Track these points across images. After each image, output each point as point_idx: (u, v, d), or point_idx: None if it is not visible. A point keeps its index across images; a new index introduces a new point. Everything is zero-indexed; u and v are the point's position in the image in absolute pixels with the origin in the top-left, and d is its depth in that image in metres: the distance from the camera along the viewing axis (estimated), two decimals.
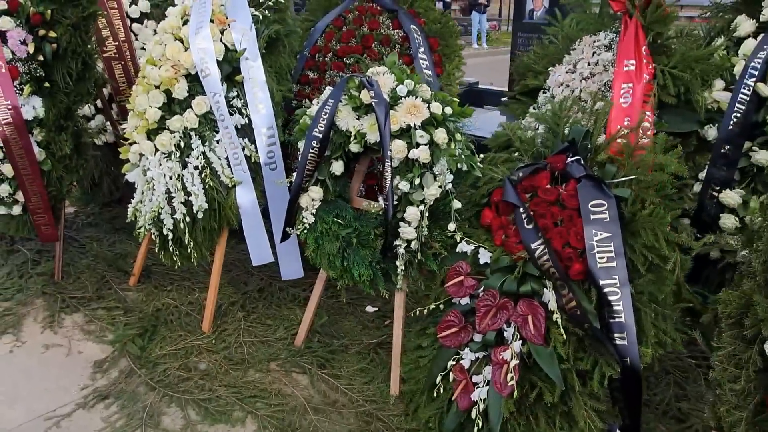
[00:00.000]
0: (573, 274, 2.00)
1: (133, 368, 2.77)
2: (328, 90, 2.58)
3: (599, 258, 1.96)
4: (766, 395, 1.68)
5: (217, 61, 2.88)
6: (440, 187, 2.36)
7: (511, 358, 2.02)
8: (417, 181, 2.35)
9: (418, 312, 2.36)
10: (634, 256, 1.97)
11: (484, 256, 2.24)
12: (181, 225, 2.88)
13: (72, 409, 2.53)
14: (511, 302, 2.10)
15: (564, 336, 1.94)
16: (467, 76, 3.70)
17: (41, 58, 3.16)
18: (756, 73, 2.53)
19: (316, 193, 2.59)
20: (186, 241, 2.90)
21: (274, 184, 3.00)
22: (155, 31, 3.83)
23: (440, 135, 2.35)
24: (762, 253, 1.75)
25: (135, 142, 3.00)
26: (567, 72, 3.03)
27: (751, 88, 2.51)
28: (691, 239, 2.04)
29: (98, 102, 4.00)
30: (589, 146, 2.19)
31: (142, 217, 3.01)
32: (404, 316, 2.63)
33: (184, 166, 2.88)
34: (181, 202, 2.86)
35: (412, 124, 2.36)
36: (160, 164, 2.90)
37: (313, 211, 2.61)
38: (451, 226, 2.38)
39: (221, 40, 2.93)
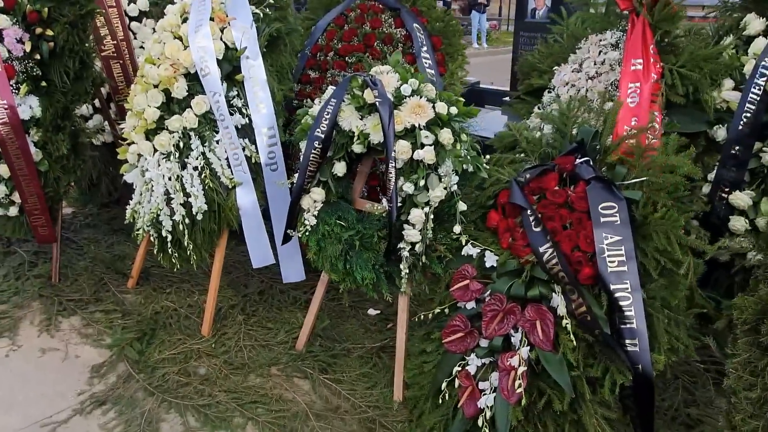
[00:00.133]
0: (583, 278, 1.95)
1: (132, 373, 2.72)
2: (331, 89, 2.53)
3: (610, 262, 1.91)
4: None
5: (217, 59, 2.83)
6: (445, 188, 2.31)
7: (519, 365, 1.97)
8: (422, 183, 2.30)
9: (422, 316, 2.31)
10: (645, 260, 1.92)
11: (491, 260, 2.19)
12: (181, 227, 2.83)
13: (69, 415, 2.48)
14: (519, 307, 2.05)
15: (574, 342, 1.89)
16: (467, 76, 3.67)
17: (38, 56, 3.10)
18: (767, 72, 2.48)
19: (318, 194, 2.54)
20: (185, 243, 2.85)
21: (275, 185, 2.95)
22: (154, 29, 3.77)
23: (445, 135, 2.29)
24: None
25: (133, 143, 2.95)
26: (572, 71, 2.98)
27: (762, 88, 2.47)
28: (704, 243, 1.99)
29: (96, 101, 3.94)
30: (598, 147, 2.14)
31: (140, 219, 2.96)
32: (408, 320, 2.58)
33: (184, 166, 2.82)
34: (181, 204, 2.81)
35: (416, 125, 2.31)
36: (159, 165, 2.85)
37: (315, 212, 2.56)
38: (457, 229, 2.32)
39: (221, 39, 2.88)
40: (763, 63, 2.50)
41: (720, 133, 2.58)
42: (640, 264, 1.91)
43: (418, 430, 2.30)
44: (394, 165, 2.28)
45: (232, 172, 2.86)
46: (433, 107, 2.33)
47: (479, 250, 2.24)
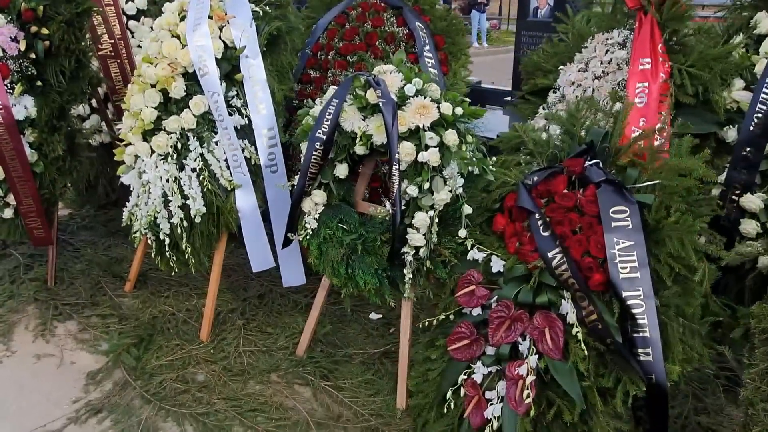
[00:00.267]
0: (593, 285, 1.89)
1: (128, 380, 2.65)
2: (332, 89, 2.47)
3: (622, 268, 1.84)
4: None
5: (216, 59, 2.77)
6: (450, 191, 2.24)
7: (527, 374, 1.90)
8: (426, 186, 2.23)
9: (426, 323, 2.25)
10: (658, 266, 1.86)
11: (497, 265, 2.13)
12: (178, 230, 2.77)
13: (63, 424, 2.41)
14: (527, 314, 1.99)
15: (585, 351, 1.82)
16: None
17: (33, 56, 3.03)
18: None
19: (319, 197, 2.48)
20: (183, 247, 2.79)
21: (275, 188, 2.89)
22: (152, 28, 3.72)
23: (450, 137, 2.23)
24: None
25: (130, 144, 2.89)
26: (578, 71, 2.93)
27: None
28: (719, 248, 1.93)
29: (93, 101, 3.88)
30: (608, 149, 2.08)
31: (137, 222, 2.89)
32: (411, 326, 2.52)
33: (182, 168, 2.76)
34: (179, 206, 2.75)
35: (421, 126, 2.24)
36: (157, 166, 2.79)
37: (316, 216, 2.50)
38: (462, 233, 2.26)
39: (220, 37, 2.82)
40: None
41: (730, 134, 2.54)
42: (653, 270, 1.85)
43: None
44: (397, 167, 2.21)
45: (231, 173, 2.80)
46: (438, 108, 2.26)
47: (485, 255, 2.18)
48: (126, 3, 3.92)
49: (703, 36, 2.73)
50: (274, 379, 2.69)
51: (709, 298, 2.01)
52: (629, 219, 1.89)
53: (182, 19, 2.88)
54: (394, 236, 2.29)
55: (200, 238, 2.81)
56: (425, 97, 2.28)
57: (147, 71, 2.80)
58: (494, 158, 2.36)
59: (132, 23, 3.95)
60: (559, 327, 1.90)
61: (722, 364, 2.62)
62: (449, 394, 2.10)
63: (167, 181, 2.76)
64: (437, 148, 2.23)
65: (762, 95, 2.46)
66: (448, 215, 2.30)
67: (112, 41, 3.76)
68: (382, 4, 3.31)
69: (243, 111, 2.84)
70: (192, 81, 2.79)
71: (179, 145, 2.77)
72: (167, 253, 2.84)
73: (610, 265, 1.86)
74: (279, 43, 3.01)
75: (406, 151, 2.23)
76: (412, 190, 2.24)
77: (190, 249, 2.79)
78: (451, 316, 2.21)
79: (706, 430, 2.39)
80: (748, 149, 2.46)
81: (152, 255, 2.95)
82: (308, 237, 2.53)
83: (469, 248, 2.23)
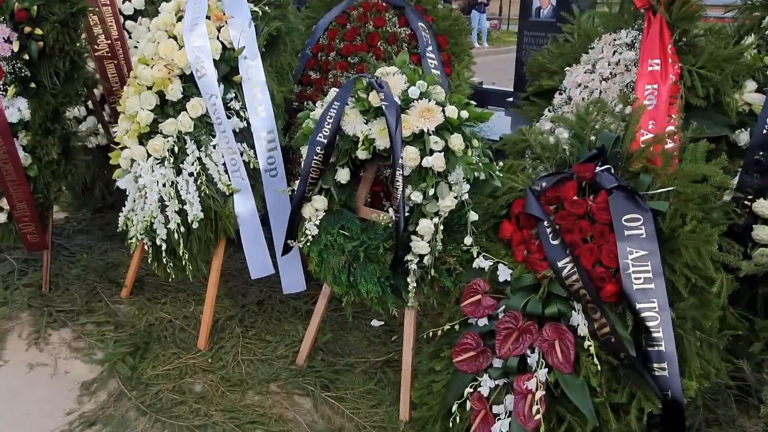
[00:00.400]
0: (605, 296, 1.81)
1: (123, 390, 2.57)
2: (334, 92, 2.40)
3: (635, 278, 1.77)
4: None
5: (214, 60, 2.71)
6: (456, 197, 2.17)
7: (537, 388, 1.83)
8: (431, 192, 2.16)
9: (431, 333, 2.18)
10: (674, 276, 1.78)
11: (504, 273, 2.05)
12: (175, 235, 2.70)
13: None
14: (536, 325, 1.92)
15: (598, 366, 1.75)
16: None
17: (27, 57, 2.95)
18: None
19: (319, 202, 2.40)
20: (180, 253, 2.72)
21: (275, 192, 2.81)
22: (149, 28, 3.65)
23: (456, 141, 2.16)
24: None
25: (126, 147, 2.82)
26: (585, 72, 2.86)
27: None
28: (738, 258, 1.85)
29: (89, 103, 3.81)
30: (619, 154, 2.01)
31: (133, 227, 2.83)
32: (415, 335, 2.44)
33: (179, 172, 2.70)
34: (175, 211, 2.68)
35: (425, 130, 2.17)
36: (153, 171, 2.72)
37: (317, 222, 2.42)
38: (468, 240, 2.19)
39: (218, 38, 2.76)
40: None
41: (742, 137, 2.47)
42: (668, 281, 1.78)
43: None
44: (401, 173, 2.14)
45: (229, 178, 2.74)
46: (443, 111, 2.19)
47: (492, 263, 2.11)
48: (123, 3, 3.84)
49: (713, 36, 2.67)
50: (274, 389, 2.61)
51: (726, 309, 1.93)
52: (643, 227, 1.82)
53: (179, 19, 2.81)
54: (398, 244, 2.22)
55: (198, 244, 2.74)
56: (430, 100, 2.20)
57: (143, 73, 2.74)
58: (500, 163, 2.28)
59: (129, 23, 3.87)
60: (570, 339, 1.83)
61: (734, 373, 2.55)
62: (455, 407, 2.03)
63: (164, 185, 2.69)
64: (442, 153, 2.15)
65: None
66: (453, 222, 2.22)
67: (109, 42, 3.69)
68: (384, 3, 3.24)
69: (242, 114, 2.77)
70: (189, 83, 2.72)
71: (176, 149, 2.71)
72: (164, 259, 2.77)
73: (623, 276, 1.79)
74: (278, 44, 2.94)
75: (410, 156, 2.15)
76: (417, 197, 2.17)
77: (187, 255, 2.72)
78: (457, 327, 2.14)
79: None
80: (761, 153, 2.39)
81: (149, 261, 2.88)
82: (308, 244, 2.46)
83: (475, 256, 2.16)
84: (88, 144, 3.83)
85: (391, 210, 2.27)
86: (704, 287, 1.77)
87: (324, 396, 2.56)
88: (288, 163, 2.97)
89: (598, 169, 2.00)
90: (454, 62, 3.26)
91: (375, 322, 3.11)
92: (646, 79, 2.56)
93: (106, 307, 3.18)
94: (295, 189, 2.41)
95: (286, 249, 2.56)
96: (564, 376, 1.82)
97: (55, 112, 3.09)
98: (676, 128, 2.34)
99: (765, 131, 2.39)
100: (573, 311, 1.87)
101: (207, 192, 2.68)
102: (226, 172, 2.73)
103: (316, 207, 2.41)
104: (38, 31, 2.94)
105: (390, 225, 2.31)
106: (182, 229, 2.69)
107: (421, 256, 2.24)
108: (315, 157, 2.32)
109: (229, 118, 2.72)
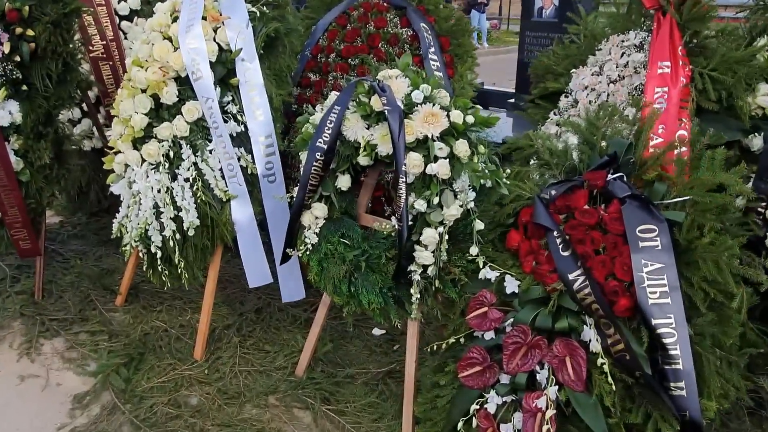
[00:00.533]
0: (619, 310, 1.73)
1: (117, 404, 2.49)
2: (334, 95, 2.31)
3: (651, 293, 1.69)
4: None
5: (210, 62, 2.63)
6: (461, 206, 2.09)
7: (547, 407, 1.75)
8: (435, 200, 2.07)
9: (435, 347, 2.09)
10: (691, 291, 1.70)
11: (512, 285, 1.97)
12: (171, 243, 2.62)
13: None
14: (545, 340, 1.83)
15: (613, 385, 1.67)
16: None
17: (18, 58, 2.86)
18: None
19: (319, 210, 2.32)
20: (176, 261, 2.64)
21: (273, 199, 2.73)
22: (144, 29, 3.57)
23: (461, 147, 2.07)
24: None
25: (120, 152, 2.74)
26: (592, 74, 2.78)
27: None
28: (760, 272, 1.77)
29: (84, 105, 3.72)
30: (633, 161, 1.93)
31: (128, 234, 2.75)
32: (418, 347, 2.36)
33: (174, 178, 2.62)
34: (171, 218, 2.60)
35: (429, 135, 2.08)
36: (147, 176, 2.64)
37: (317, 230, 2.34)
38: (473, 250, 2.10)
39: (215, 40, 2.68)
40: None
41: (756, 142, 2.39)
42: (685, 295, 1.69)
43: None
44: (404, 180, 2.05)
45: (226, 183, 2.66)
46: (448, 116, 2.10)
47: (498, 274, 2.03)
48: (118, 3, 3.76)
49: (725, 38, 2.59)
50: (272, 402, 2.53)
51: (746, 325, 1.85)
52: (658, 239, 1.74)
53: (174, 20, 2.73)
54: (401, 254, 2.14)
55: (194, 251, 2.67)
56: (434, 105, 2.12)
57: (137, 75, 2.66)
58: (507, 170, 2.20)
59: (125, 24, 3.79)
60: (582, 356, 1.75)
61: (746, 384, 2.48)
62: (460, 424, 1.94)
63: (159, 191, 2.62)
64: (447, 160, 2.07)
65: None
66: (458, 231, 2.14)
67: (104, 43, 3.60)
68: (385, 4, 3.16)
69: (239, 117, 2.69)
70: (185, 86, 2.65)
71: (171, 154, 2.63)
72: (159, 267, 2.70)
73: (637, 289, 1.71)
74: (277, 46, 2.86)
75: (413, 162, 2.07)
76: (420, 205, 2.09)
77: (183, 263, 2.65)
78: (462, 340, 2.06)
79: None
80: None
81: (144, 268, 2.80)
82: (308, 253, 2.38)
83: (480, 266, 2.07)
84: (82, 147, 3.75)
85: (394, 219, 2.19)
86: (724, 302, 1.68)
87: (324, 409, 2.48)
88: (287, 167, 2.89)
89: (610, 176, 1.91)
90: (456, 64, 3.19)
91: (376, 331, 3.04)
92: (655, 82, 2.48)
93: (100, 316, 3.10)
94: (294, 196, 2.34)
95: (285, 258, 2.48)
96: (576, 395, 1.74)
97: (48, 116, 3.01)
98: (689, 133, 2.27)
99: None
100: (585, 326, 1.79)
101: (203, 198, 2.61)
102: (223, 177, 2.66)
103: (315, 215, 2.33)
104: (30, 32, 2.86)
105: (392, 234, 2.23)
106: (178, 236, 2.62)
107: (425, 267, 2.15)
108: (315, 163, 2.24)
109: (225, 122, 2.64)
